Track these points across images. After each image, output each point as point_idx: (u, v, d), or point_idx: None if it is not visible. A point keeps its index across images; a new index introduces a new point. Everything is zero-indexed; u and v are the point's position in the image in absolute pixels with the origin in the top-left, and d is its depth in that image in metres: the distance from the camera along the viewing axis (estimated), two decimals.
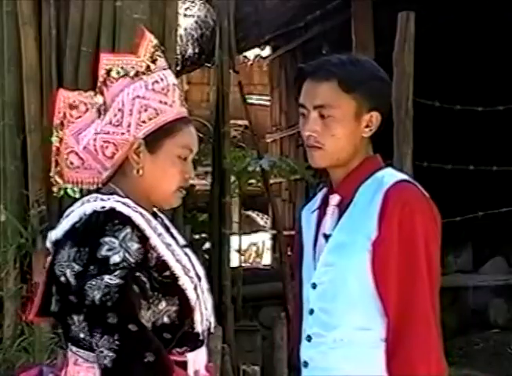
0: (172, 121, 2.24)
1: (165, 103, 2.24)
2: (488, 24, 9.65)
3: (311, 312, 2.32)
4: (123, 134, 2.23)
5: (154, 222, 2.19)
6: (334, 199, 2.33)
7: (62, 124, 2.27)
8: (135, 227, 2.10)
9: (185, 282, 2.15)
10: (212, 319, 2.30)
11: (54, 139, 2.27)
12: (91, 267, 2.06)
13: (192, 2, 8.32)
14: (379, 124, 2.32)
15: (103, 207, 2.12)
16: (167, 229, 2.30)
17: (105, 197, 2.18)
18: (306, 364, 2.33)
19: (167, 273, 2.13)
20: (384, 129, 2.38)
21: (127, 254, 2.06)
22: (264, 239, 13.06)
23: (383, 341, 2.24)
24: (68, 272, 2.12)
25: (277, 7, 8.77)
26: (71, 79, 5.06)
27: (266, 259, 12.62)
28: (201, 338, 2.21)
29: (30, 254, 4.93)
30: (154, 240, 2.14)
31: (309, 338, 2.32)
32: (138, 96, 2.23)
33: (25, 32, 5.09)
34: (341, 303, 2.27)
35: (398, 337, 2.21)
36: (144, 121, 2.22)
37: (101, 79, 2.28)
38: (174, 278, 2.14)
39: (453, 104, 6.07)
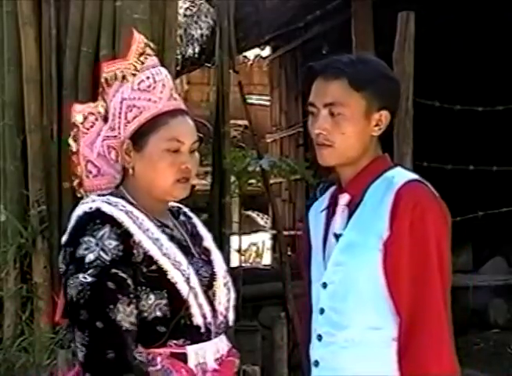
0: (155, 117, 2.27)
1: (149, 100, 2.28)
2: (488, 24, 9.66)
3: (322, 311, 2.31)
4: (117, 137, 2.30)
5: (142, 218, 2.23)
6: (344, 198, 2.33)
7: (76, 136, 2.36)
8: (117, 225, 2.17)
9: (174, 275, 2.19)
10: (230, 314, 2.34)
11: (71, 150, 2.37)
12: (71, 266, 2.17)
13: (192, 2, 8.32)
14: (388, 123, 2.33)
15: (91, 208, 2.21)
16: (193, 227, 2.41)
17: (97, 197, 2.25)
18: (317, 363, 2.33)
19: (154, 268, 2.18)
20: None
21: (102, 253, 2.13)
22: (264, 239, 13.08)
23: (394, 340, 2.24)
24: (61, 272, 2.24)
25: (277, 7, 8.77)
26: (71, 79, 5.06)
27: (266, 259, 12.64)
28: (203, 330, 2.23)
29: (30, 254, 4.93)
30: (139, 236, 2.18)
31: (320, 338, 2.32)
32: (124, 98, 2.29)
33: (25, 32, 5.09)
34: (352, 303, 2.26)
35: (410, 336, 2.20)
36: (129, 121, 2.28)
37: (101, 88, 2.36)
38: (161, 272, 2.18)
39: (453, 104, 6.06)
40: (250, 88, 13.43)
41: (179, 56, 7.39)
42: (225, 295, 2.33)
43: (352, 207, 2.31)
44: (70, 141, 2.37)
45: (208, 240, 2.43)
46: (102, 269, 2.13)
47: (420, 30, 5.04)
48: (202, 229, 2.45)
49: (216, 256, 2.39)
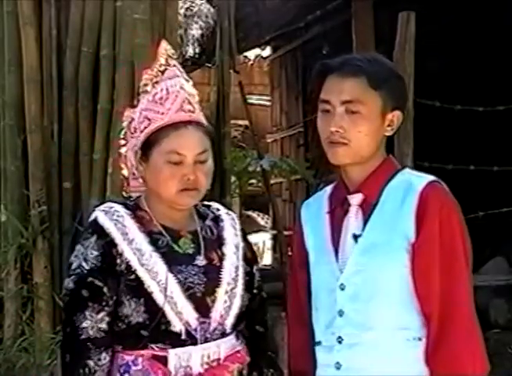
0: (160, 129, 2.32)
1: (157, 112, 2.34)
2: (488, 24, 9.65)
3: (341, 313, 2.28)
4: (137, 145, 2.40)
5: (129, 228, 2.32)
6: (356, 199, 2.31)
7: (126, 140, 2.45)
8: (104, 235, 2.30)
9: (150, 285, 2.29)
10: (227, 320, 2.39)
11: (119, 153, 2.49)
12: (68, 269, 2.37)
13: (193, 2, 8.33)
14: (400, 124, 2.33)
15: (92, 217, 2.36)
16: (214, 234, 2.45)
17: (104, 205, 2.38)
18: (339, 366, 2.29)
19: (133, 277, 2.29)
20: None
21: (83, 262, 2.30)
22: (264, 239, 13.07)
23: (420, 339, 2.24)
24: None
25: (277, 7, 8.78)
26: (71, 79, 5.06)
27: (266, 259, 12.63)
28: (184, 337, 2.30)
29: (31, 254, 4.93)
30: (122, 246, 2.30)
31: (340, 340, 2.28)
32: (142, 109, 2.37)
33: (25, 32, 5.09)
34: (377, 303, 2.25)
35: (442, 336, 2.20)
36: (142, 132, 2.36)
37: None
38: (139, 281, 2.29)
39: (454, 104, 6.06)
40: (250, 88, 13.40)
41: (179, 56, 7.40)
42: (223, 302, 2.37)
43: (367, 208, 2.29)
44: (121, 144, 2.46)
45: (229, 246, 2.45)
46: (80, 277, 2.29)
47: (420, 31, 5.04)
48: (228, 234, 2.47)
49: (228, 263, 2.42)
